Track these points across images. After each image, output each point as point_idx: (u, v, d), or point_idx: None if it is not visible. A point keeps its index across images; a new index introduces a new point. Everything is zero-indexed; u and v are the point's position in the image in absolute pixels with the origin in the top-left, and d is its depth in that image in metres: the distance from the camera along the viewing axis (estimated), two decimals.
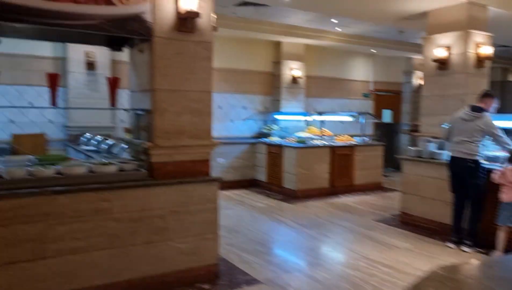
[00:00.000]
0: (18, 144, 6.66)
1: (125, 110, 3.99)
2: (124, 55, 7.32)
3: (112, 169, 3.35)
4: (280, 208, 7.02)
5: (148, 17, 3.30)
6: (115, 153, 5.01)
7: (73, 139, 6.86)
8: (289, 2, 6.05)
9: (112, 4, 3.12)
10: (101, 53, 7.01)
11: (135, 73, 3.78)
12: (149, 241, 3.46)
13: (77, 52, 6.79)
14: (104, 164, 3.40)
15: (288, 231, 5.71)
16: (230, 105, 8.84)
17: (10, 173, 2.99)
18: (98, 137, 6.07)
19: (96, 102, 6.93)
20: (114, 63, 7.29)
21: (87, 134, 6.58)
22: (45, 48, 6.83)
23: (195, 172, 3.64)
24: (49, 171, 3.13)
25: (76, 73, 6.86)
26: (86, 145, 6.34)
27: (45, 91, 6.90)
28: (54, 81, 3.23)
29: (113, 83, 3.38)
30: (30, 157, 3.40)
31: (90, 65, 6.92)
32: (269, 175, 8.30)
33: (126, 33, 3.25)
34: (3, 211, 2.89)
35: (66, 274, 3.14)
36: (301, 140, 7.87)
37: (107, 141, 5.39)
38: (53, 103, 3.24)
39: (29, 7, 2.88)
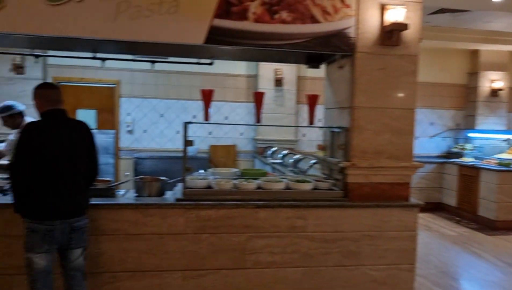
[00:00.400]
0: (214, 154, 7.38)
1: (320, 127, 3.96)
2: (309, 71, 7.60)
3: (308, 186, 3.33)
4: (476, 239, 6.13)
5: (351, 32, 3.19)
6: (301, 168, 5.06)
7: (260, 151, 7.27)
8: (498, 4, 5.27)
9: (317, 22, 3.11)
10: (288, 70, 7.29)
11: (332, 90, 3.71)
12: (341, 264, 3.32)
13: (267, 69, 7.20)
14: (300, 181, 3.40)
15: (489, 269, 4.90)
16: (416, 120, 8.19)
17: (219, 185, 3.22)
18: (284, 151, 6.28)
19: (282, 116, 7.22)
20: (299, 79, 7.50)
21: (273, 147, 6.89)
22: (240, 68, 7.43)
23: (393, 195, 3.36)
24: (251, 185, 3.27)
25: (265, 89, 7.27)
26: (272, 158, 6.63)
27: (237, 106, 7.59)
28: (208, 97, 3.35)
29: (312, 100, 3.37)
30: (235, 170, 3.62)
31: (278, 82, 7.25)
32: (460, 200, 7.38)
33: (330, 50, 3.20)
34: (212, 220, 3.12)
35: (261, 287, 3.22)
36: (504, 163, 6.77)
37: (294, 156, 5.51)
38: (206, 118, 3.35)
39: (244, 30, 3.06)
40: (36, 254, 2.53)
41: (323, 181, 3.47)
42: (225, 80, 7.45)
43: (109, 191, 3.22)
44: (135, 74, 7.22)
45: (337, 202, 3.30)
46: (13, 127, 4.21)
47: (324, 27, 3.14)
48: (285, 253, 3.24)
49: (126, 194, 3.42)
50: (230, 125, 7.34)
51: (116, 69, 7.05)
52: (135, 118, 7.28)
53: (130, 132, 7.28)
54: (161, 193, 3.38)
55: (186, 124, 3.18)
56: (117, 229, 3.02)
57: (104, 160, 7.26)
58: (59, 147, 2.57)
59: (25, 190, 2.53)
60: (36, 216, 2.54)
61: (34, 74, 6.74)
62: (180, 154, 6.94)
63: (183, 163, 3.18)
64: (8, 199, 3.00)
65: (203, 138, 7.41)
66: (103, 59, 3.79)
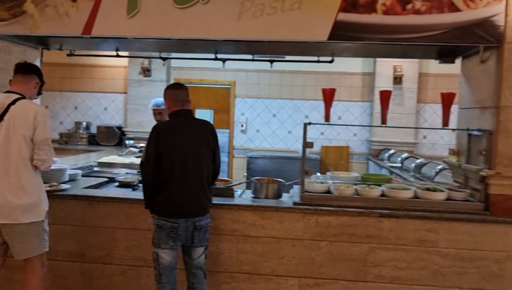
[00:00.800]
0: (326, 155, 7.18)
1: (453, 130, 3.53)
2: (432, 67, 6.97)
3: (440, 196, 2.97)
4: None
5: (499, 20, 2.75)
6: (425, 174, 4.62)
7: (375, 153, 6.87)
8: None
9: (457, 10, 2.74)
10: (408, 67, 6.77)
11: (470, 87, 3.28)
12: (480, 287, 2.90)
13: (385, 66, 6.76)
14: (431, 189, 3.05)
15: None
16: None
17: (339, 190, 3.03)
18: (404, 154, 5.83)
19: (400, 116, 6.73)
20: (421, 76, 6.92)
21: (390, 149, 6.46)
22: (355, 65, 7.11)
23: None
24: (375, 192, 3.02)
25: (382, 88, 6.83)
26: (389, 160, 6.21)
27: (352, 106, 7.27)
28: (330, 96, 3.10)
29: (448, 99, 2.99)
30: (355, 175, 3.40)
31: (397, 79, 6.77)
32: None
33: (471, 41, 2.80)
34: (332, 227, 2.95)
35: None
36: None
37: (416, 160, 5.06)
38: (327, 118, 3.12)
39: (372, 24, 2.83)
40: (162, 250, 2.61)
41: (458, 191, 3.07)
42: (339, 78, 7.18)
43: (228, 191, 3.24)
44: (250, 74, 7.33)
45: (476, 215, 2.89)
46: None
47: (466, 15, 2.76)
48: (411, 269, 2.93)
49: (242, 195, 3.41)
50: (345, 125, 7.05)
51: (232, 70, 7.24)
52: (248, 118, 7.39)
53: (243, 131, 7.42)
54: (278, 195, 3.30)
55: (306, 125, 3.05)
56: (235, 230, 3.01)
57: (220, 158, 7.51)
58: (186, 146, 2.62)
59: (154, 187, 2.63)
60: (163, 213, 2.62)
61: (159, 76, 7.20)
62: (292, 155, 6.98)
63: (301, 165, 3.06)
64: (137, 194, 3.18)
65: (315, 139, 7.22)
66: (224, 60, 3.84)
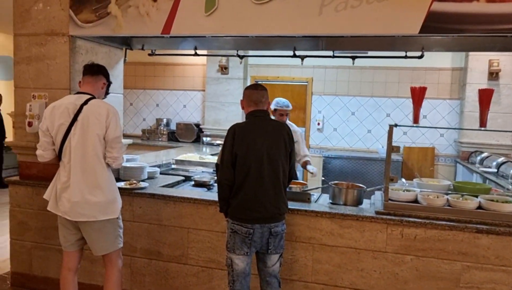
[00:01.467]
0: (408, 156, 6.72)
1: None
2: None
3: None
4: None
5: None
6: None
7: (465, 156, 6.28)
8: None
9: None
10: (507, 61, 6.08)
11: None
12: None
13: (479, 61, 6.14)
14: None
15: None
16: None
17: (428, 200, 2.74)
18: (500, 158, 5.24)
19: (496, 116, 6.07)
20: None
21: (482, 152, 5.86)
22: (444, 60, 6.55)
23: None
24: (470, 203, 2.68)
25: (475, 84, 6.22)
26: (481, 165, 5.63)
27: (439, 104, 6.72)
28: (419, 96, 2.76)
29: None
30: (446, 182, 3.06)
31: (493, 75, 6.11)
32: None
33: None
34: (419, 241, 2.67)
35: None
36: None
37: None
38: (416, 120, 2.78)
39: (471, 14, 2.50)
40: (236, 255, 2.53)
41: None
42: (426, 74, 6.66)
43: (305, 196, 3.08)
44: (328, 71, 7.07)
45: None
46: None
47: None
48: None
49: (319, 200, 3.24)
50: (434, 128, 6.54)
51: (309, 66, 7.04)
52: (325, 116, 7.14)
53: (320, 130, 7.19)
54: (358, 202, 3.08)
55: (392, 127, 2.79)
56: (311, 238, 2.85)
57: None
58: (261, 148, 2.51)
59: (229, 190, 2.55)
60: (238, 218, 2.53)
61: (237, 74, 7.22)
62: (371, 155, 6.62)
63: (385, 171, 2.81)
64: (211, 195, 3.14)
65: (397, 139, 6.80)
66: (302, 57, 3.68)
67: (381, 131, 6.90)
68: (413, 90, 2.83)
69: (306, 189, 3.20)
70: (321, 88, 7.16)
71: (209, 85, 7.32)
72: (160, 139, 7.54)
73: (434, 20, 2.57)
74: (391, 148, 2.78)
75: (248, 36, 3.04)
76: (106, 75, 2.87)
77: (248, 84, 7.41)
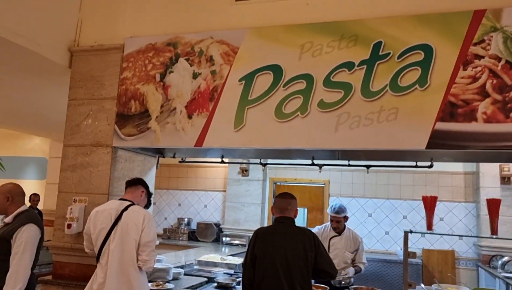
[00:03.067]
0: (427, 259, 6.67)
1: None
2: None
3: None
4: None
5: None
6: None
7: (486, 260, 6.23)
8: None
9: None
10: None
11: None
12: None
13: (490, 166, 6.39)
14: None
15: None
16: None
17: None
18: None
19: (510, 220, 6.14)
20: None
21: (504, 256, 5.83)
22: (456, 164, 6.83)
23: None
24: None
25: (488, 188, 6.40)
26: (503, 269, 5.59)
27: (454, 206, 6.84)
28: (431, 204, 2.97)
29: None
30: (466, 289, 3.14)
31: (505, 179, 6.31)
32: None
33: None
34: None
35: None
36: None
37: None
38: (429, 227, 2.96)
39: (472, 132, 2.82)
40: None
41: None
42: (440, 178, 6.90)
43: None
44: (344, 173, 7.38)
45: None
46: (340, 231, 4.28)
47: None
48: None
49: None
50: (448, 235, 6.60)
51: (326, 169, 7.36)
52: None
53: None
54: None
55: (407, 233, 2.97)
56: None
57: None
58: (278, 252, 2.70)
59: (250, 289, 2.71)
60: None
61: (256, 175, 7.57)
62: (390, 258, 6.60)
63: (404, 277, 2.93)
64: None
65: (415, 241, 6.83)
66: (320, 165, 3.99)
67: (398, 233, 6.96)
68: (424, 199, 3.06)
69: None
70: (338, 190, 7.41)
71: (230, 186, 7.65)
72: (180, 239, 7.69)
73: (438, 138, 2.89)
74: (408, 254, 2.93)
75: (271, 149, 3.39)
76: (145, 185, 3.20)
77: (267, 185, 7.74)
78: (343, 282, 3.67)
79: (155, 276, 3.63)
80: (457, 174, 6.86)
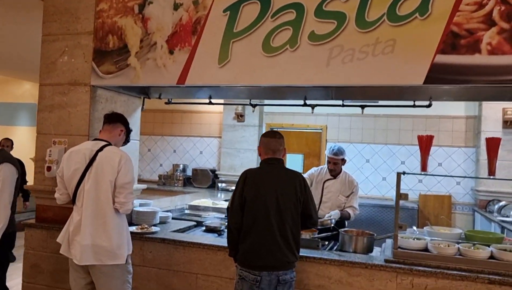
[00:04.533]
0: (423, 204, 6.63)
1: None
2: None
3: None
4: None
5: None
6: None
7: (483, 204, 6.16)
8: None
9: None
10: None
11: None
12: None
13: (493, 109, 6.16)
14: None
15: None
16: None
17: (439, 249, 2.70)
18: None
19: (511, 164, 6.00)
20: None
21: (500, 201, 5.75)
22: (457, 108, 6.61)
23: None
24: (482, 253, 2.64)
25: (490, 132, 6.20)
26: (499, 214, 5.52)
27: (453, 152, 6.70)
28: (426, 144, 2.79)
29: None
30: (458, 231, 3.02)
31: (507, 123, 6.10)
32: None
33: None
34: None
35: None
36: None
37: None
38: (424, 168, 2.79)
39: (475, 65, 2.58)
40: None
41: None
42: (440, 122, 6.70)
43: (314, 243, 3.07)
44: (342, 118, 7.18)
45: None
46: (336, 173, 4.14)
47: None
48: None
49: (330, 247, 3.22)
50: (443, 176, 6.49)
51: (323, 114, 7.17)
52: None
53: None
54: (368, 250, 3.06)
55: (400, 175, 2.81)
56: (320, 286, 2.82)
57: None
58: (269, 195, 2.55)
59: (237, 234, 2.59)
60: (246, 264, 2.55)
61: (252, 121, 7.38)
62: (386, 203, 6.55)
63: (395, 219, 2.80)
64: (221, 240, 3.16)
65: (412, 187, 6.75)
66: (313, 106, 3.78)
67: (395, 179, 6.84)
68: (420, 138, 2.87)
69: (316, 236, 3.19)
70: (335, 136, 7.24)
71: (225, 132, 7.48)
72: (176, 185, 7.64)
73: (437, 72, 2.65)
74: (400, 196, 2.79)
75: (259, 86, 3.17)
76: (125, 123, 3.00)
77: (263, 131, 7.56)
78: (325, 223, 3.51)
79: (140, 219, 3.54)
80: (458, 118, 6.65)
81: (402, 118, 6.82)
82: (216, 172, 7.54)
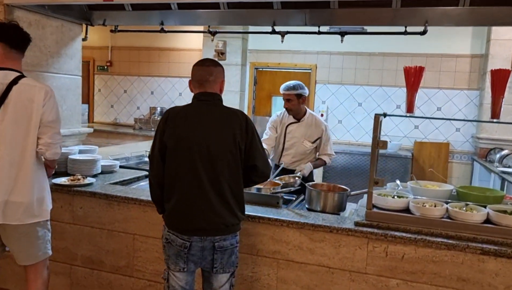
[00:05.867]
0: (418, 152, 6.08)
1: None
2: None
3: None
4: None
5: None
6: None
7: (483, 153, 5.61)
8: None
9: None
10: None
11: None
12: None
13: (502, 46, 5.43)
14: None
15: None
16: None
17: (422, 210, 2.17)
18: None
19: None
20: None
21: (503, 149, 5.19)
22: (462, 45, 5.87)
23: None
24: (475, 215, 2.10)
25: None
26: (500, 163, 4.98)
27: (455, 94, 6.04)
28: (414, 78, 2.17)
29: None
30: (448, 187, 2.47)
31: None
32: None
33: None
34: (408, 261, 2.11)
35: None
36: None
37: None
38: (409, 108, 2.20)
39: None
40: (171, 271, 2.04)
41: None
42: (441, 61, 5.98)
43: (273, 200, 2.54)
44: (333, 57, 6.46)
45: None
46: (295, 113, 3.52)
47: None
48: None
49: (295, 205, 2.70)
50: (441, 115, 5.87)
51: (313, 52, 6.45)
52: (330, 107, 6.53)
53: None
54: (339, 208, 2.54)
55: (378, 117, 2.22)
56: (276, 252, 2.32)
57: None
58: (196, 142, 1.98)
59: (159, 190, 2.07)
60: (172, 226, 2.04)
61: (235, 59, 6.68)
62: (380, 151, 6.00)
63: (370, 171, 2.24)
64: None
65: (407, 132, 6.18)
66: (283, 34, 3.13)
67: (390, 124, 6.27)
68: (407, 70, 2.24)
69: (277, 191, 2.65)
70: (326, 76, 6.56)
71: None
72: (153, 129, 7.07)
73: None
74: (376, 144, 2.21)
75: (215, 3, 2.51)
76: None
77: (247, 71, 6.88)
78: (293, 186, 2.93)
79: (76, 169, 3.00)
80: (463, 57, 5.92)
81: (400, 56, 6.09)
82: None
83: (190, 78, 2.15)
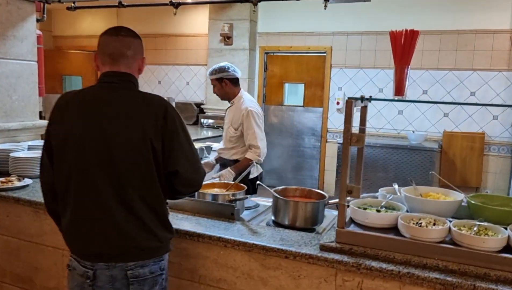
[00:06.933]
0: (448, 144, 5.32)
1: None
2: None
3: None
4: None
5: None
6: None
7: None
8: None
9: None
10: None
11: None
12: None
13: None
14: None
15: None
16: None
17: (413, 231, 1.55)
18: None
19: None
20: None
21: None
22: (500, 19, 5.03)
23: None
24: (489, 241, 1.48)
25: None
26: None
27: (491, 76, 5.21)
28: (405, 46, 1.58)
29: None
30: (458, 197, 1.81)
31: None
32: None
33: None
34: None
35: None
36: None
37: None
38: (398, 91, 1.62)
39: None
40: None
41: None
42: (476, 39, 5.16)
43: (227, 210, 1.99)
44: (351, 38, 5.76)
45: None
46: (223, 98, 3.20)
47: None
48: None
49: (256, 217, 2.14)
50: (457, 104, 5.09)
51: (328, 33, 5.79)
52: (347, 93, 5.85)
53: (340, 110, 5.93)
54: (314, 221, 1.97)
55: (351, 102, 1.63)
56: (221, 280, 1.78)
57: (310, 143, 6.21)
58: (91, 140, 1.47)
59: (52, 200, 1.59)
60: (70, 248, 1.56)
61: (242, 43, 6.14)
62: (400, 142, 5.30)
63: (341, 176, 1.64)
64: None
65: (435, 121, 5.43)
66: None
67: (415, 112, 5.54)
68: (393, 36, 1.63)
69: (237, 197, 2.10)
70: (342, 60, 5.88)
71: (211, 58, 6.29)
72: None
73: None
74: (349, 139, 1.61)
75: None
76: None
77: (257, 56, 6.32)
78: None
79: (19, 169, 2.57)
80: (502, 32, 5.07)
81: (427, 35, 5.29)
82: (202, 106, 6.48)
83: (96, 51, 1.62)
